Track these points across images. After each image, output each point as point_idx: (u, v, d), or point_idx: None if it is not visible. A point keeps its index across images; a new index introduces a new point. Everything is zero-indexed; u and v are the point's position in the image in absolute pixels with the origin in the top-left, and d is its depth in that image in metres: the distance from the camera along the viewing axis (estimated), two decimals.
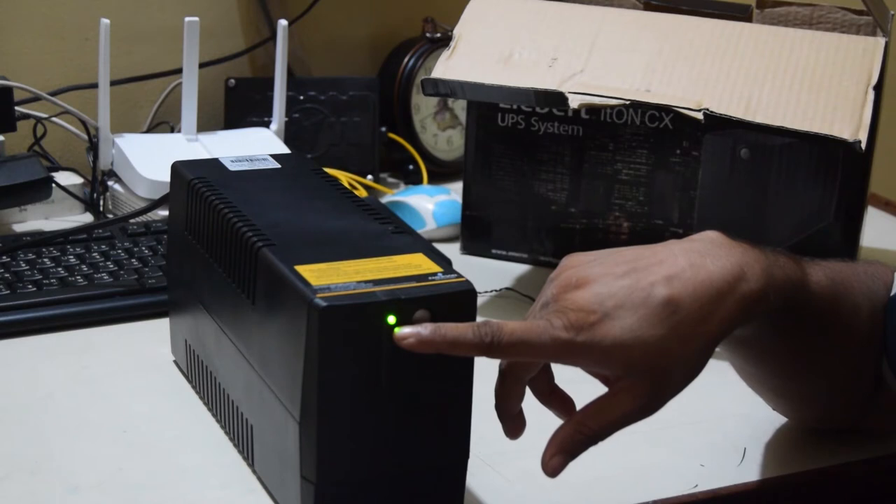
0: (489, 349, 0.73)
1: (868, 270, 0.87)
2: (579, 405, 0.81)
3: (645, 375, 0.75)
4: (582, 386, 0.79)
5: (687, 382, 0.77)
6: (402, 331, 0.72)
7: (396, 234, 0.82)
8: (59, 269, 1.09)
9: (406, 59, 1.47)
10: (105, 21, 1.21)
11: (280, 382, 0.77)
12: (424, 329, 0.72)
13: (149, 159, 1.24)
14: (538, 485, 0.83)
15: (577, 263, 0.78)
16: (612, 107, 1.05)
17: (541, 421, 0.79)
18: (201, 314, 0.90)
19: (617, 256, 0.78)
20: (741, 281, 0.76)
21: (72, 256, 1.11)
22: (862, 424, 0.91)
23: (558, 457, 0.76)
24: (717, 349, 0.78)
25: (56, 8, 1.38)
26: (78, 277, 1.08)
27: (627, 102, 1.04)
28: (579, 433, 0.76)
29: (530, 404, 0.79)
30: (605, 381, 0.79)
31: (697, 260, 0.76)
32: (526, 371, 0.79)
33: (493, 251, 1.24)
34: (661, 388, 0.76)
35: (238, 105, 1.42)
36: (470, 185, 1.23)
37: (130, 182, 1.25)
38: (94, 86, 1.26)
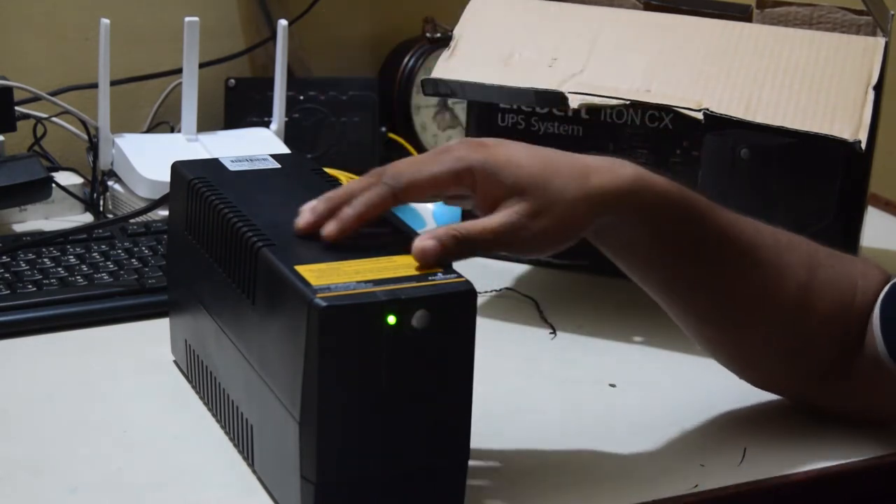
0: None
1: (855, 263, 0.90)
2: (581, 405, 0.81)
3: (531, 188, 0.78)
4: (582, 386, 0.79)
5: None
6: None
7: (396, 234, 0.82)
8: (59, 269, 1.09)
9: (406, 59, 1.47)
10: (105, 21, 1.21)
11: (280, 382, 0.77)
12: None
13: (149, 159, 1.24)
14: (538, 485, 0.83)
15: None
16: (612, 107, 1.05)
17: (540, 421, 0.79)
18: (201, 314, 0.90)
19: None
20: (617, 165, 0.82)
21: (72, 256, 1.11)
22: (835, 405, 0.92)
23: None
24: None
25: (56, 8, 1.38)
26: (78, 277, 1.08)
27: (627, 102, 1.04)
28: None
29: (530, 404, 0.79)
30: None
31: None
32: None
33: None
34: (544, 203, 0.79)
35: (238, 105, 1.42)
36: None
37: (130, 182, 1.25)
38: (94, 86, 1.25)
